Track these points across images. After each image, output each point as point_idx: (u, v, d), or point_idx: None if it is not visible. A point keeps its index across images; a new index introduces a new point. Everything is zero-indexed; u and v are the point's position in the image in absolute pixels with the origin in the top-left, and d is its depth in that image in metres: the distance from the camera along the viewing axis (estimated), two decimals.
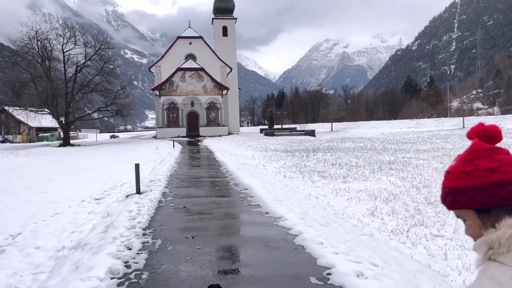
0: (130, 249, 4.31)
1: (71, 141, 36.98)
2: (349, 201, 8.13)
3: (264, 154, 20.89)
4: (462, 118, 41.04)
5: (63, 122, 32.50)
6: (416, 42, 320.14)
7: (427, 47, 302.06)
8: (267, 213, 6.16)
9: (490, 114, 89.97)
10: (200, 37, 46.32)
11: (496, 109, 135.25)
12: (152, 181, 9.53)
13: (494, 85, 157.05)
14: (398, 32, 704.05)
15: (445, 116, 52.14)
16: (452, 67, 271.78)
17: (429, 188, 9.30)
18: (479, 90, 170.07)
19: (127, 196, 7.71)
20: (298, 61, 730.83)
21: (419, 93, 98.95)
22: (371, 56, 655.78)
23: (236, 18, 51.13)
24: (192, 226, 5.64)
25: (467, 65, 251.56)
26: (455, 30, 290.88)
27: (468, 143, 0.96)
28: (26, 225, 6.52)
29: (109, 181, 11.60)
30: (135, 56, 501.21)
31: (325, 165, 15.16)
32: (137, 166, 7.82)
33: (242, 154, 20.91)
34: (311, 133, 41.75)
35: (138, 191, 7.77)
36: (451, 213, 0.96)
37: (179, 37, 46.22)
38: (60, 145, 32.29)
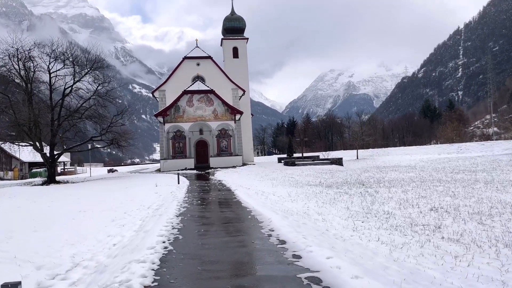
0: None
1: (59, 178, 31.57)
2: None
3: (301, 191, 15.13)
4: None
5: (47, 155, 27.10)
6: (422, 69, 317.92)
7: (433, 74, 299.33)
8: None
9: None
10: (209, 57, 41.54)
11: None
12: (120, 284, 3.75)
13: (509, 109, 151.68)
14: (403, 60, 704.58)
15: (489, 139, 46.25)
16: (460, 93, 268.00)
17: None
18: (493, 115, 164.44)
19: None
20: (303, 92, 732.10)
21: (439, 117, 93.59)
22: (376, 84, 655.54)
23: (247, 38, 46.67)
24: None
25: (475, 91, 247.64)
26: (461, 56, 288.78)
27: None
28: None
29: (45, 261, 5.92)
30: (143, 90, 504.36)
31: (421, 212, 9.36)
32: None
33: (272, 192, 15.16)
34: (338, 161, 35.91)
35: None
36: None
37: (185, 58, 41.46)
38: (44, 183, 26.82)
